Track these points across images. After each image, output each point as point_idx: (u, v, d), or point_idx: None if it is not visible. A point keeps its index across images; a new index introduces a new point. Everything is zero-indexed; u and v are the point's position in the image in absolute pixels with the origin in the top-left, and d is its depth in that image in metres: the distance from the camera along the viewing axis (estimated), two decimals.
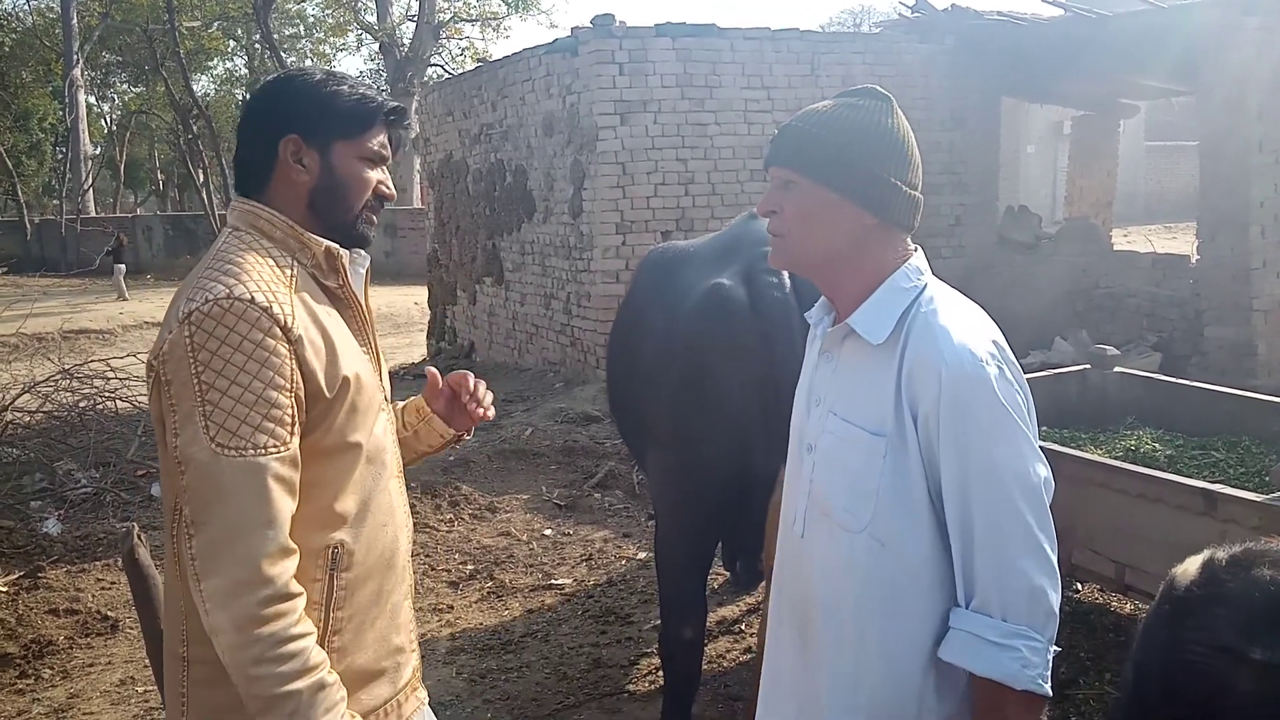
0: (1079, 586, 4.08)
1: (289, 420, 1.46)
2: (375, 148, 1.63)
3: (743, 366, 2.79)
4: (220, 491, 1.40)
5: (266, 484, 1.42)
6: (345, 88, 1.61)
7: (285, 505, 1.44)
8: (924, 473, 1.47)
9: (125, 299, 18.73)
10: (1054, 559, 1.45)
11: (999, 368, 1.46)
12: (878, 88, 1.59)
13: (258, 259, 1.52)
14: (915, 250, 1.59)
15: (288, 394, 1.45)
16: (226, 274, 1.48)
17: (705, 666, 3.71)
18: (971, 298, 1.58)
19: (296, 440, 1.47)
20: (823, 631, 1.58)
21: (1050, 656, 1.44)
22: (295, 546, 1.45)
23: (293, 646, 1.42)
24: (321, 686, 1.44)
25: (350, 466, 1.55)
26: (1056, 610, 1.44)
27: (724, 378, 2.82)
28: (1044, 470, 1.47)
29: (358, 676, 1.58)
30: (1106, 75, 9.15)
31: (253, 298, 1.45)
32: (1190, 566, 1.50)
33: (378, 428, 1.62)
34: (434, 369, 1.90)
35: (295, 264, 1.56)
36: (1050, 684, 1.45)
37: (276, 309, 1.46)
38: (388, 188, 1.66)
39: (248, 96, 1.68)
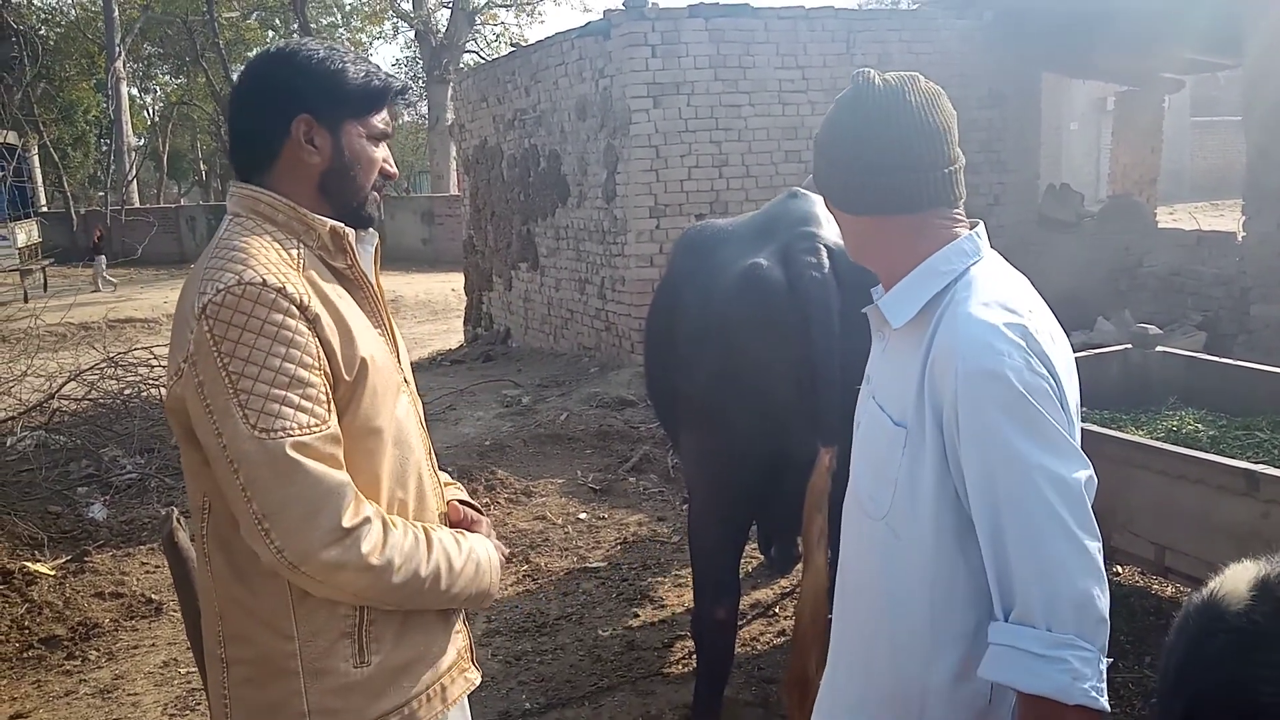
0: (1119, 569, 4.02)
1: (324, 398, 1.44)
2: (381, 126, 1.61)
3: (778, 347, 2.75)
4: (280, 475, 1.39)
5: (317, 461, 1.41)
6: (351, 65, 1.57)
7: (341, 476, 1.45)
8: (942, 468, 1.39)
9: (100, 290, 18.69)
10: (1100, 561, 1.32)
11: (1024, 358, 1.34)
12: (861, 72, 1.51)
13: (262, 243, 1.49)
14: (968, 229, 1.51)
15: (317, 372, 1.44)
16: (233, 260, 1.45)
17: (739, 649, 3.71)
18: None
19: (335, 418, 1.46)
20: (852, 609, 1.58)
21: (1104, 667, 1.31)
22: (356, 489, 1.47)
23: (406, 546, 1.50)
24: (441, 542, 1.57)
25: (376, 451, 1.53)
26: (1107, 616, 1.32)
27: (759, 359, 2.79)
28: (1082, 467, 1.35)
29: (401, 662, 1.57)
30: (1149, 48, 8.94)
31: (264, 280, 1.42)
32: (1238, 586, 1.40)
33: (399, 410, 1.59)
34: (455, 504, 1.77)
35: (301, 246, 1.53)
36: (1106, 696, 1.31)
37: (290, 289, 1.43)
38: (391, 166, 1.65)
39: (243, 72, 1.64)
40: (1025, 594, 1.31)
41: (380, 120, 1.61)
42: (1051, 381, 1.36)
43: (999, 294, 1.42)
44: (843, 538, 1.63)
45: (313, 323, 1.44)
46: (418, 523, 1.58)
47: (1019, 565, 1.31)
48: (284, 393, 1.40)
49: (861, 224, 1.52)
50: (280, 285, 1.43)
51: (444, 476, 1.82)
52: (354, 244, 1.58)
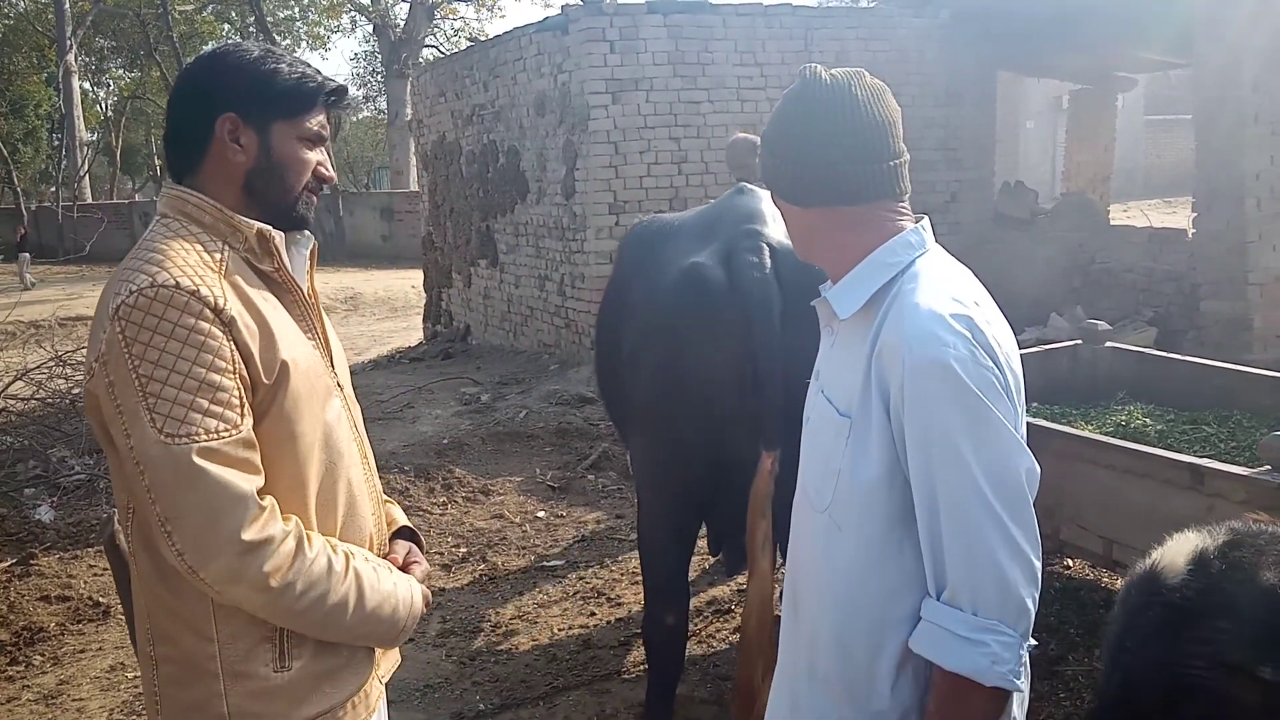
0: (1069, 562, 4.07)
1: (237, 402, 1.43)
2: (315, 128, 1.58)
3: (719, 348, 2.73)
4: (183, 481, 1.38)
5: (224, 468, 1.40)
6: (284, 65, 1.56)
7: (250, 482, 1.43)
8: (891, 456, 1.41)
9: (27, 288, 18.36)
10: (1031, 551, 1.37)
11: (969, 349, 1.36)
12: (808, 67, 1.52)
13: (183, 245, 1.47)
14: (915, 223, 1.52)
15: (230, 376, 1.42)
16: (150, 262, 1.43)
17: (695, 646, 3.71)
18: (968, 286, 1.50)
19: (249, 421, 1.44)
20: (803, 604, 1.58)
21: (1024, 652, 1.38)
22: (269, 498, 1.44)
23: (314, 572, 1.47)
24: (358, 574, 1.53)
25: (300, 455, 1.51)
26: (1031, 605, 1.37)
27: (700, 359, 2.76)
28: (1023, 458, 1.39)
29: (324, 669, 1.56)
30: (1103, 47, 9.06)
31: (177, 282, 1.41)
32: (1176, 559, 1.40)
33: (329, 414, 1.57)
34: (395, 556, 1.72)
35: (226, 248, 1.51)
36: (1021, 679, 1.39)
37: (205, 291, 1.42)
38: (327, 169, 1.62)
39: (181, 71, 1.61)
40: (955, 578, 1.36)
41: (314, 123, 1.58)
42: (997, 372, 1.38)
43: (945, 286, 1.44)
44: (792, 535, 1.63)
45: (228, 325, 1.43)
46: (342, 546, 1.55)
47: (951, 551, 1.36)
48: (192, 397, 1.39)
49: (809, 217, 1.52)
50: (194, 288, 1.41)
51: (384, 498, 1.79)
52: (280, 247, 1.56)
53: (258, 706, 1.50)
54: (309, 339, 1.59)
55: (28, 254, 19.66)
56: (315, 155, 1.59)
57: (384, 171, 32.25)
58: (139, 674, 3.73)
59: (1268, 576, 1.27)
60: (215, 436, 1.40)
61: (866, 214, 1.50)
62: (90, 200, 26.46)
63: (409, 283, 16.17)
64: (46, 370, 7.09)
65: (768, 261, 2.71)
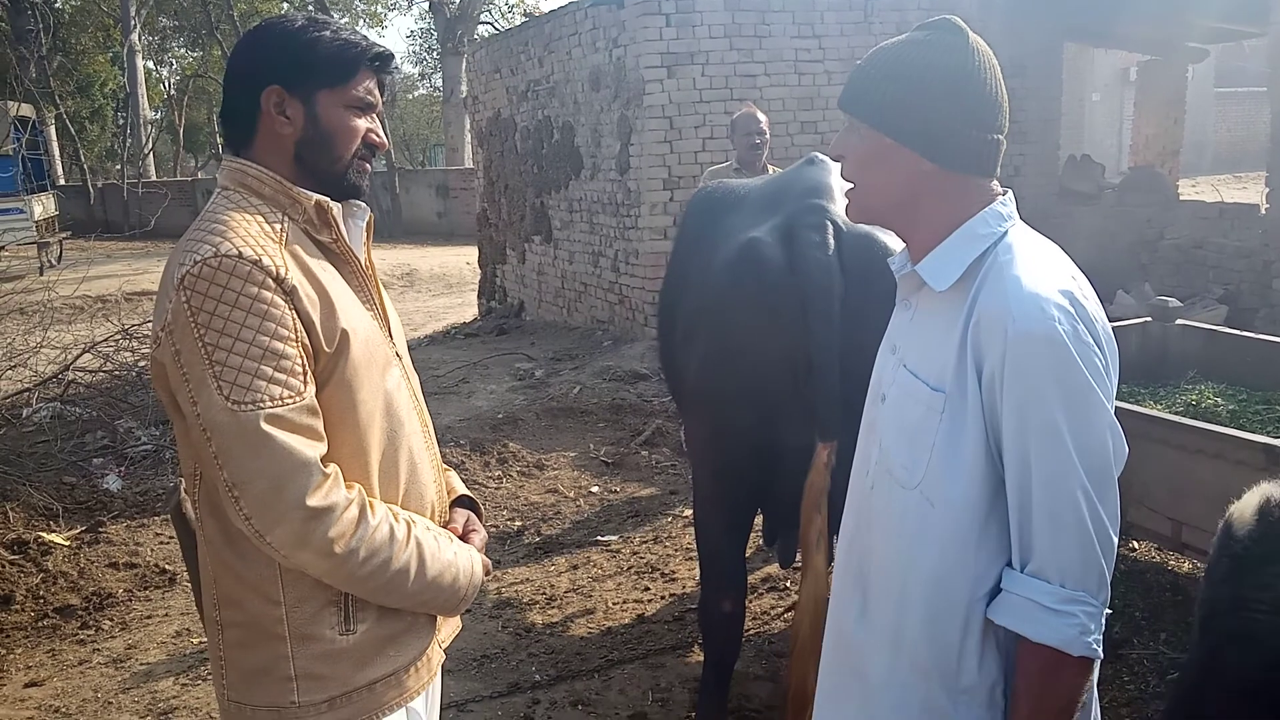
0: (1134, 544, 3.98)
1: (300, 370, 1.44)
2: (362, 94, 1.58)
3: (773, 332, 2.59)
4: (249, 447, 1.40)
5: (290, 434, 1.42)
6: (327, 34, 1.55)
7: (314, 448, 1.45)
8: (984, 432, 1.40)
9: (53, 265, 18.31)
10: (1113, 528, 1.38)
11: (1072, 324, 1.35)
12: (954, 19, 1.47)
13: (245, 216, 1.49)
14: (1002, 194, 1.50)
15: (293, 344, 1.44)
16: (213, 233, 1.45)
17: (750, 622, 3.69)
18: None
19: (312, 389, 1.46)
20: (879, 586, 1.55)
21: (1103, 619, 1.39)
22: (333, 465, 1.46)
23: (377, 539, 1.49)
24: (420, 543, 1.55)
25: (362, 423, 1.53)
26: (1109, 575, 1.39)
27: (752, 342, 2.64)
28: (1114, 437, 1.38)
29: (388, 633, 1.58)
30: (1172, 16, 8.77)
31: (240, 252, 1.42)
32: (1246, 509, 1.44)
33: (389, 383, 1.59)
34: (455, 525, 1.73)
35: (286, 219, 1.53)
36: (1103, 645, 1.40)
37: (267, 261, 1.44)
38: (378, 135, 1.62)
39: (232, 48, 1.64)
40: (1042, 551, 1.36)
41: (361, 89, 1.58)
42: (1097, 349, 1.38)
43: (1043, 259, 1.42)
44: (859, 515, 1.59)
45: (290, 295, 1.45)
46: (403, 514, 1.56)
47: (1040, 524, 1.36)
48: (257, 364, 1.41)
49: (924, 173, 1.46)
50: (256, 258, 1.43)
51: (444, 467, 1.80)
52: (338, 218, 1.58)
53: (323, 668, 1.52)
54: (367, 309, 1.60)
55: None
56: (364, 122, 1.59)
57: (439, 149, 32.43)
58: (204, 639, 3.83)
59: None
60: (280, 403, 1.42)
61: (971, 184, 1.47)
62: (154, 177, 26.96)
63: (464, 259, 16.27)
64: (114, 343, 7.25)
65: (831, 241, 2.55)
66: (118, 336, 7.27)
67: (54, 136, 23.92)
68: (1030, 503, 1.36)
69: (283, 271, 1.45)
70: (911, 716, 1.50)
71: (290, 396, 1.43)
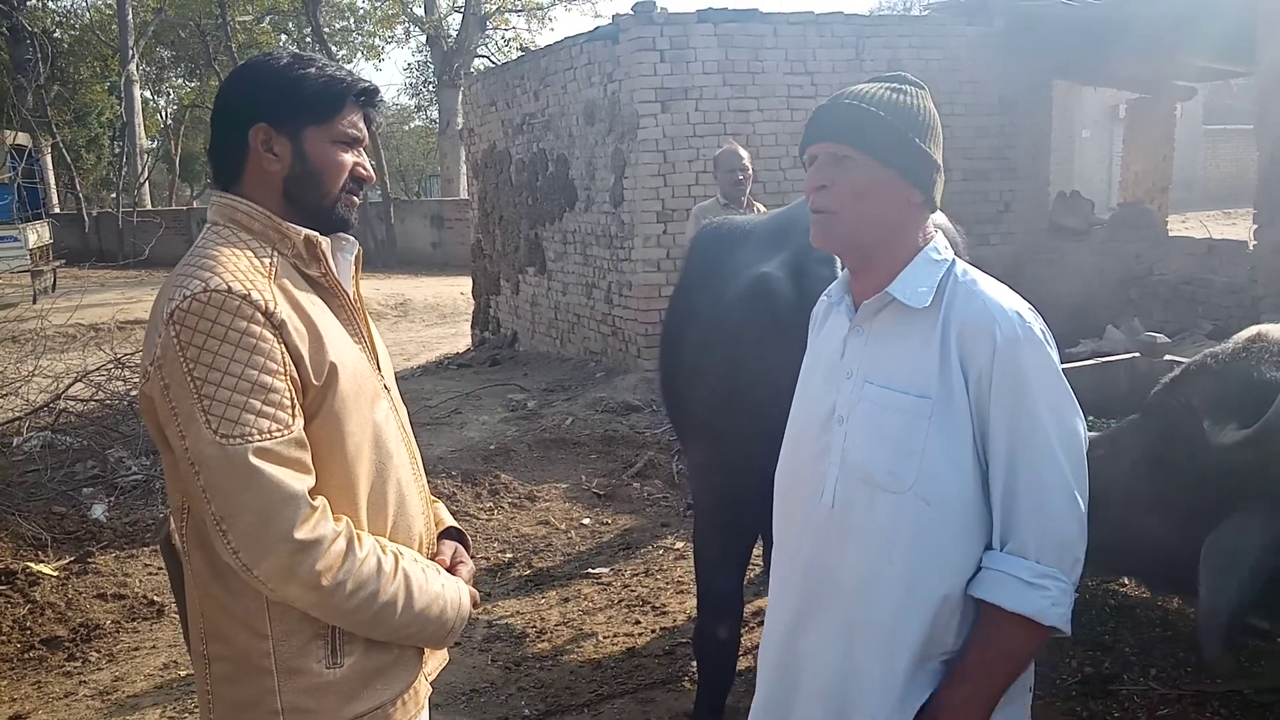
0: (1124, 580, 3.98)
1: (288, 403, 1.46)
2: (348, 129, 1.60)
3: (785, 364, 2.63)
4: (237, 481, 1.41)
5: (278, 467, 1.43)
6: (312, 70, 1.58)
7: (302, 481, 1.45)
8: (971, 428, 1.54)
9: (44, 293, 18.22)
10: (1084, 511, 1.54)
11: (1043, 331, 1.56)
12: (909, 75, 1.66)
13: (234, 251, 1.51)
14: (938, 231, 1.67)
15: (281, 378, 1.45)
16: (202, 268, 1.47)
17: (742, 658, 3.68)
18: (1021, 285, 1.65)
19: (300, 421, 1.47)
20: (860, 595, 1.60)
21: (1072, 598, 1.54)
22: (321, 498, 1.47)
23: (364, 572, 1.49)
24: (407, 575, 1.56)
25: (350, 455, 1.54)
26: (1083, 557, 1.55)
27: (765, 375, 2.63)
28: (1083, 425, 1.56)
29: (375, 666, 1.59)
30: (1161, 56, 8.89)
31: (229, 287, 1.44)
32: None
33: (377, 415, 1.60)
34: (443, 557, 1.74)
35: (275, 254, 1.55)
36: (1070, 627, 1.54)
37: (256, 295, 1.45)
38: (365, 169, 1.64)
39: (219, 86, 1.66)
40: (1024, 531, 1.52)
41: (347, 124, 1.60)
42: (1056, 347, 1.59)
43: (995, 282, 1.62)
44: (827, 528, 1.64)
45: (279, 328, 1.46)
46: (391, 546, 1.57)
47: (1025, 509, 1.52)
48: (246, 398, 1.42)
49: (912, 205, 1.60)
50: (245, 292, 1.45)
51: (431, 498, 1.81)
52: (327, 253, 1.59)
53: (310, 702, 1.52)
54: (356, 342, 1.62)
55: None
56: (351, 156, 1.62)
57: (434, 179, 32.58)
58: (192, 672, 3.80)
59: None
60: (269, 436, 1.43)
61: (925, 216, 1.65)
62: (150, 206, 27.02)
63: (458, 289, 16.30)
64: (105, 372, 7.25)
65: (840, 274, 2.63)
66: (110, 365, 7.27)
67: (50, 165, 23.99)
68: (1016, 488, 1.52)
69: (271, 306, 1.46)
70: (892, 700, 1.58)
71: (279, 430, 1.44)
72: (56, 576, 4.64)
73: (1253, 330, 2.67)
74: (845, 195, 1.57)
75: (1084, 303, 7.93)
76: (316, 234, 1.58)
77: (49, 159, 23.68)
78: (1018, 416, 1.51)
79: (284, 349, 1.46)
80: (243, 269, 1.48)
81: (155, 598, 4.54)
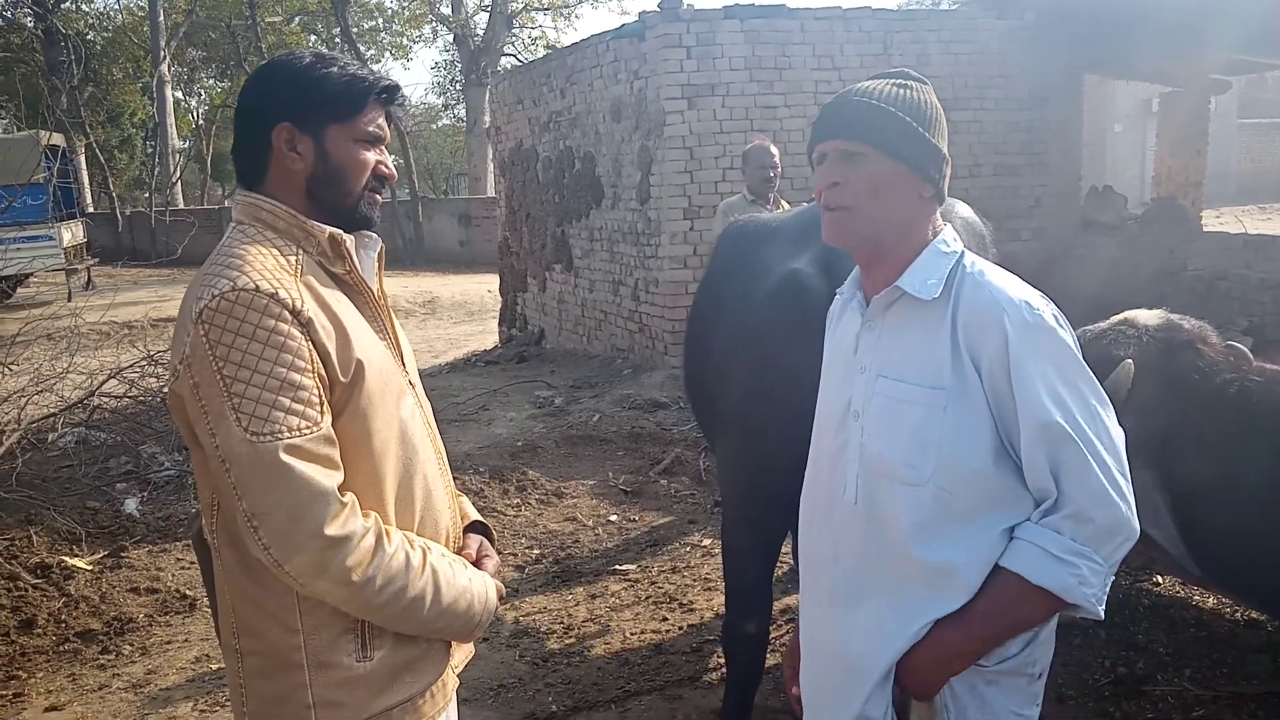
0: (1159, 579, 3.94)
1: (317, 400, 1.47)
2: (370, 128, 1.61)
3: (815, 360, 2.66)
4: (268, 478, 1.42)
5: (308, 464, 1.44)
6: (335, 69, 1.58)
7: (331, 478, 1.47)
8: (990, 416, 1.53)
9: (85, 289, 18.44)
10: (1129, 492, 1.52)
11: (1054, 314, 1.55)
12: (908, 71, 1.67)
13: (260, 250, 1.52)
14: (947, 225, 1.67)
15: (310, 375, 1.46)
16: (230, 267, 1.48)
17: (769, 655, 3.66)
18: (1052, 280, 1.70)
19: (329, 418, 1.48)
20: (881, 587, 1.61)
21: (1109, 580, 1.51)
22: (350, 494, 1.48)
23: (393, 567, 1.50)
24: (435, 570, 1.57)
25: (377, 451, 1.55)
26: (1131, 539, 1.51)
27: (796, 370, 2.66)
28: (1110, 409, 1.55)
29: (404, 659, 1.60)
30: (1193, 47, 8.75)
31: (257, 286, 1.45)
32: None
33: (403, 411, 1.61)
34: (469, 551, 1.75)
35: (300, 252, 1.56)
36: (1104, 607, 1.51)
37: (283, 294, 1.46)
38: (387, 167, 1.65)
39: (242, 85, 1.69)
40: (1061, 508, 1.50)
41: (369, 123, 1.61)
42: (1072, 332, 1.59)
43: (1005, 272, 1.62)
44: (851, 524, 1.65)
45: (306, 326, 1.47)
46: (419, 541, 1.58)
47: (1067, 486, 1.50)
48: (275, 396, 1.43)
49: (923, 198, 1.61)
50: (273, 291, 1.46)
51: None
52: (352, 250, 1.60)
53: (341, 696, 1.54)
54: (381, 339, 1.63)
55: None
56: (373, 155, 1.62)
57: (462, 178, 32.72)
58: (223, 666, 3.84)
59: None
60: (298, 433, 1.44)
61: (934, 209, 1.65)
62: (182, 205, 27.33)
63: (485, 287, 16.36)
64: (139, 369, 7.33)
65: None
66: (143, 362, 7.36)
67: (83, 165, 24.31)
68: (1043, 468, 1.50)
69: (298, 304, 1.47)
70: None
71: (308, 427, 1.45)
72: (91, 571, 4.70)
73: (1126, 314, 3.01)
74: (860, 191, 1.58)
75: (1116, 298, 7.81)
76: (341, 232, 1.59)
77: (83, 159, 23.99)
78: (1037, 400, 1.49)
79: (311, 346, 1.47)
80: (270, 267, 1.49)
81: (187, 592, 4.59)
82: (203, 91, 36.44)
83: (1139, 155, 21.90)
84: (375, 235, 1.69)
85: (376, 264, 1.69)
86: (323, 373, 1.48)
